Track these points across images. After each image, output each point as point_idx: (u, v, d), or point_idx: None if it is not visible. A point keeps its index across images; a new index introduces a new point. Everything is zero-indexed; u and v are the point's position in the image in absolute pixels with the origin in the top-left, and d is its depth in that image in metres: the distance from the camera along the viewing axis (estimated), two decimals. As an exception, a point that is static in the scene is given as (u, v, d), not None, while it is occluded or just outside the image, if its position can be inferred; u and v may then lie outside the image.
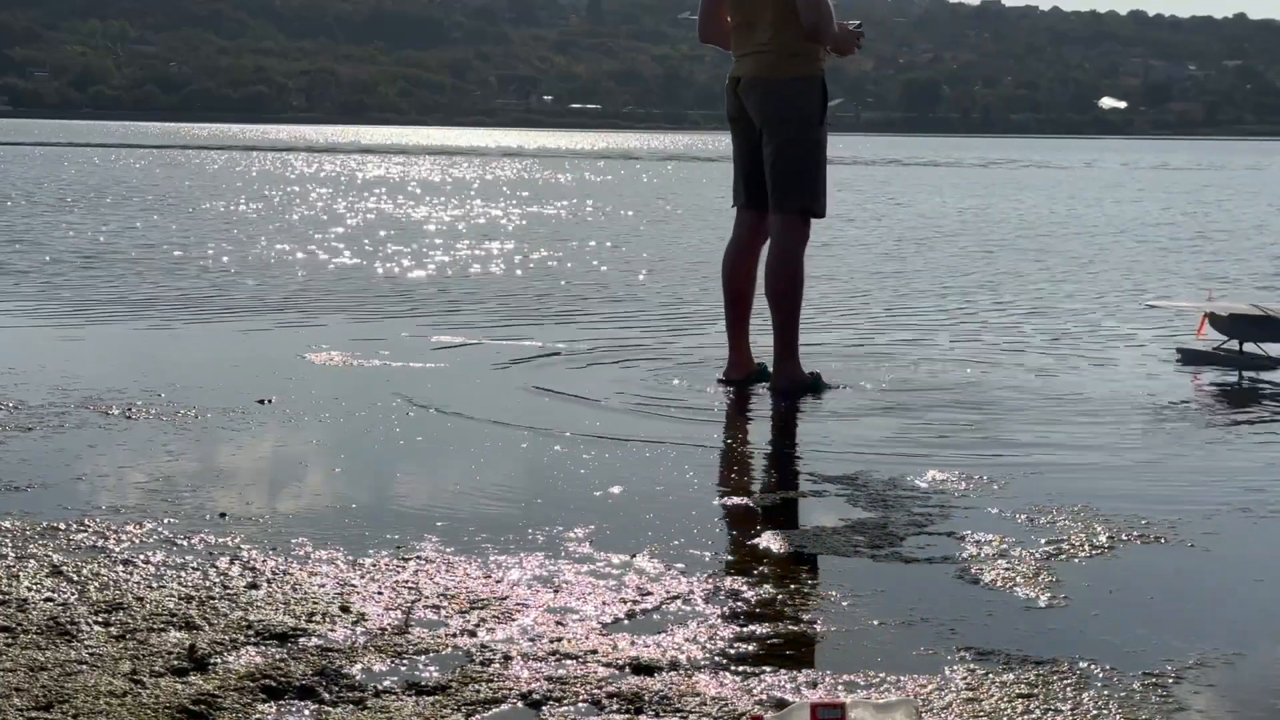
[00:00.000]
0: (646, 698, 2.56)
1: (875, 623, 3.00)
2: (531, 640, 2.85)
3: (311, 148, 52.10)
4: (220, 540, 3.48)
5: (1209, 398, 5.96)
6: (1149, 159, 55.36)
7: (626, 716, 2.50)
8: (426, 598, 3.09)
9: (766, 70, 5.68)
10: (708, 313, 8.00)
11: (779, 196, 5.70)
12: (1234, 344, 6.58)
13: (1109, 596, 3.21)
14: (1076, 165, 45.78)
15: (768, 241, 5.85)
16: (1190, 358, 6.64)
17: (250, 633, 2.84)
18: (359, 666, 2.69)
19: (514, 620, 2.96)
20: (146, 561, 3.29)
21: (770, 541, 3.60)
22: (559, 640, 2.85)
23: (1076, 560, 3.47)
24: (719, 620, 2.99)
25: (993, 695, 2.60)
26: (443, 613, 3.00)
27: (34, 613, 2.92)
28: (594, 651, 2.79)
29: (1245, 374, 6.36)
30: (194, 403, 5.19)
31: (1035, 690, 2.63)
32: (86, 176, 25.34)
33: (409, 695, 2.56)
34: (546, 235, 14.23)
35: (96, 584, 3.12)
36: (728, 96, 5.87)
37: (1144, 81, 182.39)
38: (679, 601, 3.11)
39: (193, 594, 3.06)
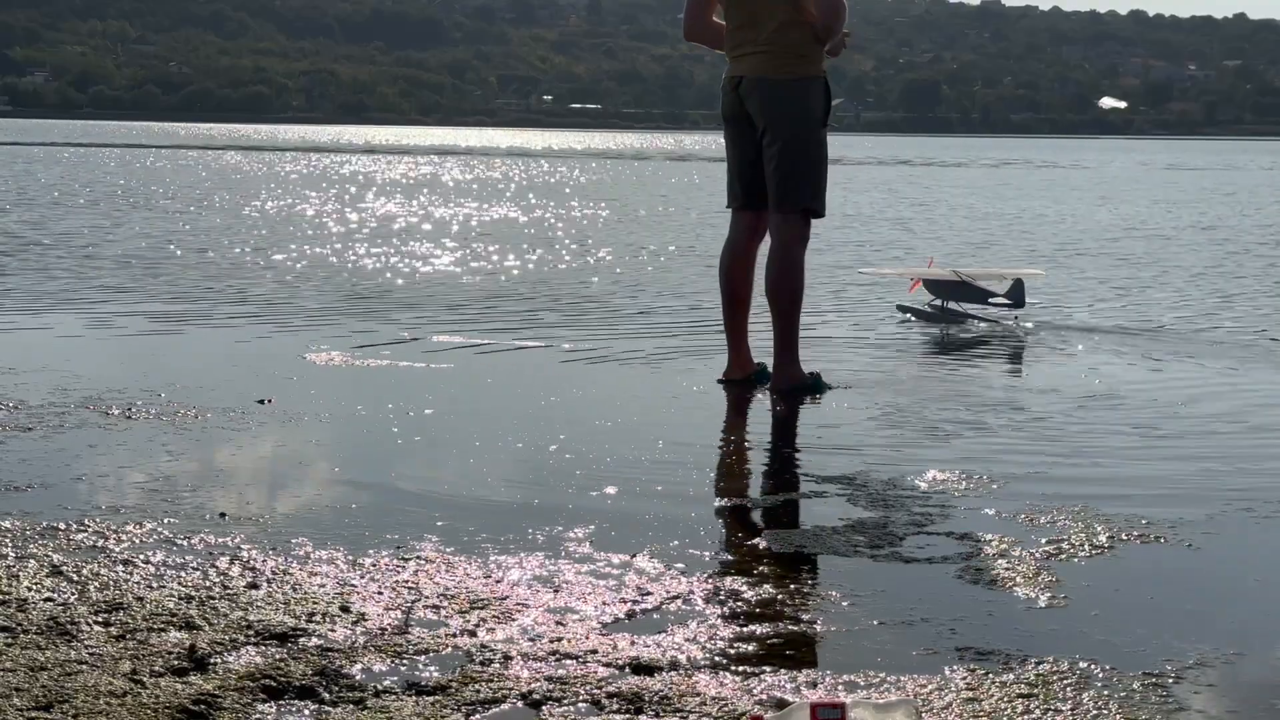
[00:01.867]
0: (646, 698, 2.56)
1: (875, 623, 3.00)
2: (531, 640, 2.85)
3: (332, 148, 52.10)
4: (220, 540, 3.48)
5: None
6: (1161, 159, 55.11)
7: (626, 716, 2.50)
8: (426, 598, 3.09)
9: (771, 69, 5.66)
10: (711, 312, 7.99)
11: (781, 196, 5.69)
12: (939, 302, 8.08)
13: (1109, 596, 3.20)
14: (1094, 166, 45.49)
15: (765, 241, 5.85)
16: (907, 312, 8.22)
17: (250, 633, 2.84)
18: (359, 666, 2.69)
19: (514, 620, 2.96)
20: (146, 561, 3.29)
21: (770, 541, 3.60)
22: (559, 640, 2.85)
23: (1076, 560, 3.47)
24: (719, 620, 2.99)
25: (993, 695, 2.60)
26: (443, 613, 3.00)
27: (34, 613, 2.92)
28: (594, 651, 2.79)
29: (947, 327, 7.86)
30: (194, 403, 5.19)
31: (1035, 690, 2.63)
32: (126, 177, 25.34)
33: (409, 695, 2.56)
34: (542, 237, 14.24)
35: (96, 584, 3.12)
36: (725, 96, 5.85)
37: (1144, 81, 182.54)
38: (679, 601, 3.11)
39: (193, 594, 3.06)
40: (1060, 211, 20.29)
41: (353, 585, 3.15)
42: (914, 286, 8.37)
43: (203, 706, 2.48)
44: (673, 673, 2.69)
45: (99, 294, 8.67)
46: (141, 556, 3.32)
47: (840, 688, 2.62)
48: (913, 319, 8.06)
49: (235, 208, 17.74)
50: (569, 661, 2.73)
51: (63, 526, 3.55)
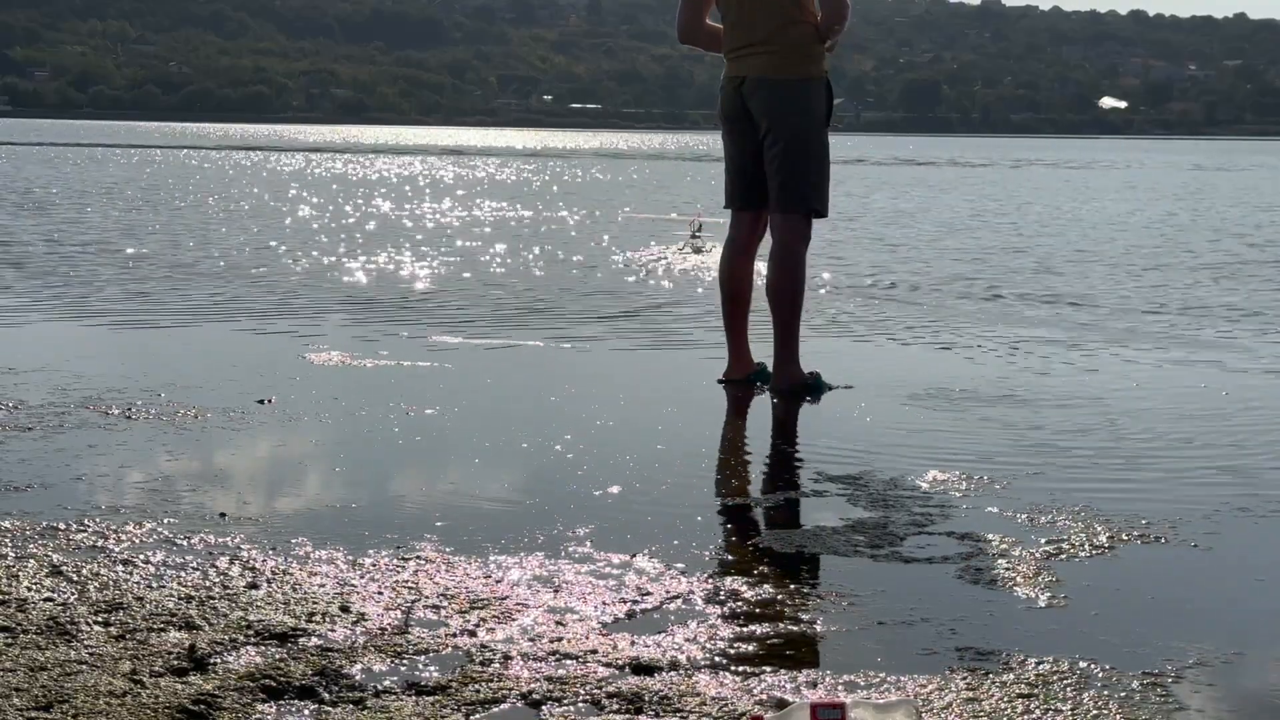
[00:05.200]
0: (646, 698, 2.56)
1: (875, 623, 3.00)
2: (531, 640, 2.85)
3: (355, 149, 52.11)
4: (220, 540, 3.48)
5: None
6: (1184, 159, 54.60)
7: (626, 716, 2.50)
8: (426, 598, 3.09)
9: (775, 70, 5.65)
10: (710, 312, 7.99)
11: (786, 197, 5.68)
12: (696, 230, 12.79)
13: (1109, 596, 3.20)
14: (1124, 167, 45.03)
15: (765, 241, 5.86)
16: (695, 237, 12.58)
17: (250, 633, 2.84)
18: (359, 666, 2.69)
19: (514, 620, 2.96)
20: (146, 561, 3.29)
21: (770, 541, 3.60)
22: (559, 640, 2.85)
23: (1076, 560, 3.47)
24: (719, 620, 2.99)
25: (993, 695, 2.60)
26: (443, 613, 3.00)
27: (34, 613, 2.92)
28: (594, 651, 2.79)
29: (695, 240, 12.46)
30: (194, 403, 5.19)
31: (1035, 690, 2.63)
32: (167, 177, 25.34)
33: (409, 695, 2.56)
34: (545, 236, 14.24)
35: (96, 584, 3.12)
36: (726, 96, 5.83)
37: (1144, 81, 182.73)
38: (679, 601, 3.11)
39: (193, 594, 3.06)
40: (1153, 213, 19.86)
41: (353, 585, 3.15)
42: (690, 227, 13.07)
43: (203, 706, 2.48)
44: (673, 673, 2.68)
45: (87, 295, 8.68)
46: (141, 556, 3.32)
47: (840, 688, 2.62)
48: (690, 238, 12.67)
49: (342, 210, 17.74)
50: (569, 661, 2.73)
51: (63, 526, 3.55)
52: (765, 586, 3.22)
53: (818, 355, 6.25)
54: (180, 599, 3.03)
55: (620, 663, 2.73)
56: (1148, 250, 13.40)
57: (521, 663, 2.72)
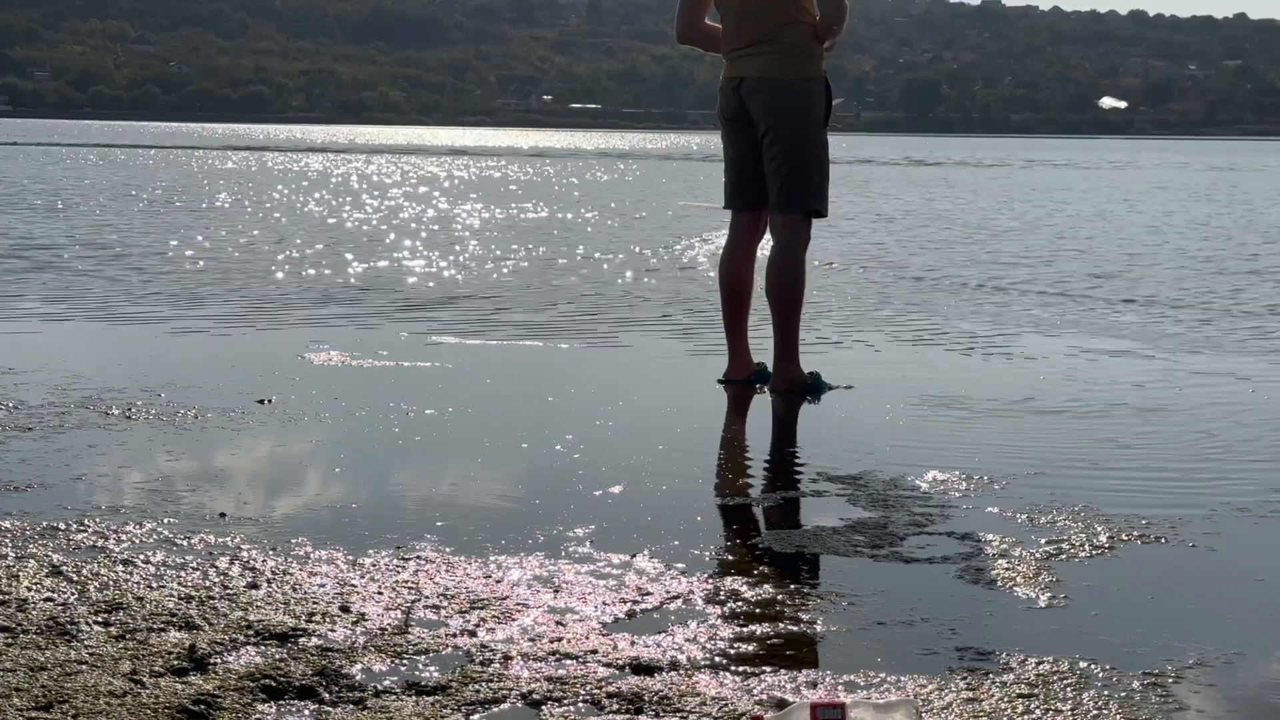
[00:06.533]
0: (646, 698, 2.56)
1: (875, 623, 3.00)
2: (531, 640, 2.85)
3: (373, 149, 52.08)
4: (220, 540, 3.48)
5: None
6: (1198, 159, 54.38)
7: (626, 716, 2.50)
8: (426, 598, 3.08)
9: (774, 70, 5.65)
10: (710, 313, 7.99)
11: (786, 197, 5.68)
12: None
13: (1109, 596, 3.20)
14: (1133, 166, 44.82)
15: (765, 241, 5.86)
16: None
17: (250, 633, 2.84)
18: (359, 666, 2.69)
19: (514, 620, 2.96)
20: (146, 561, 3.29)
21: (770, 541, 3.60)
22: (559, 640, 2.85)
23: (1076, 560, 3.47)
24: (719, 620, 2.99)
25: (993, 695, 2.60)
26: (443, 613, 3.00)
27: (34, 613, 2.92)
28: (594, 651, 2.79)
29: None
30: (194, 403, 5.19)
31: (1035, 690, 2.63)
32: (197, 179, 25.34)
33: (409, 695, 2.56)
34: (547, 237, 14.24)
35: (96, 584, 3.11)
36: (725, 96, 5.83)
37: (1144, 81, 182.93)
38: (679, 601, 3.11)
39: (193, 594, 3.06)
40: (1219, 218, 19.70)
41: (353, 585, 3.15)
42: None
43: (203, 706, 2.48)
44: (673, 673, 2.68)
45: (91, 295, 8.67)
46: (141, 556, 3.32)
47: (840, 688, 2.62)
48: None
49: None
50: (569, 661, 2.73)
51: (63, 526, 3.55)
52: (765, 586, 3.22)
53: (820, 356, 6.25)
54: (180, 599, 3.03)
55: (620, 663, 2.73)
56: (1180, 251, 13.40)
57: (521, 663, 2.72)
